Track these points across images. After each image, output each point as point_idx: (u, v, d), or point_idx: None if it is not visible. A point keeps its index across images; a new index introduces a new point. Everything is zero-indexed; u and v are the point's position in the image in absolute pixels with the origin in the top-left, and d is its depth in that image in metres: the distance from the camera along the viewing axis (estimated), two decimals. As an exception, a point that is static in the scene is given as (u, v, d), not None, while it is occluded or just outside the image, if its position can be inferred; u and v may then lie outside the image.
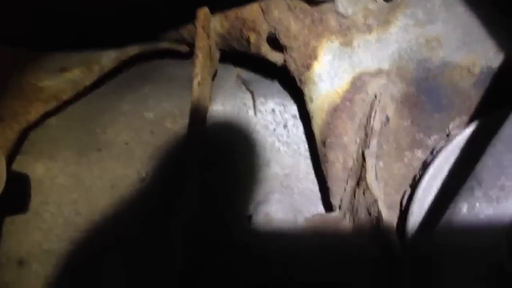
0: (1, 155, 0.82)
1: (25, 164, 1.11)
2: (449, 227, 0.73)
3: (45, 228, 1.09)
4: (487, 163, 0.69)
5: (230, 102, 1.25)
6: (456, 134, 0.94)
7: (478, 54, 0.96)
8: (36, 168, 1.11)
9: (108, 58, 1.16)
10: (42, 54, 1.14)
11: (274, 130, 1.24)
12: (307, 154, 1.24)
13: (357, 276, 0.81)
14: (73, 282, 1.07)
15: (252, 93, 1.26)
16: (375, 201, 0.81)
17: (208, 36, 1.04)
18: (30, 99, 1.05)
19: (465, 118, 1.00)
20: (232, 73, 1.33)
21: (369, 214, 0.83)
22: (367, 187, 0.86)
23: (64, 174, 1.11)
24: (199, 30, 1.00)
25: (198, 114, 0.87)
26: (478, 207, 0.69)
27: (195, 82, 0.88)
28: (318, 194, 1.22)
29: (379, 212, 0.77)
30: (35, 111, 1.05)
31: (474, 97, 0.98)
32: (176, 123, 1.19)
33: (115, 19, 1.19)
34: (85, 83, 1.12)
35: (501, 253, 0.68)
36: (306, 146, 1.25)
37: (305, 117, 1.22)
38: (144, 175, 1.13)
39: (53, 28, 1.16)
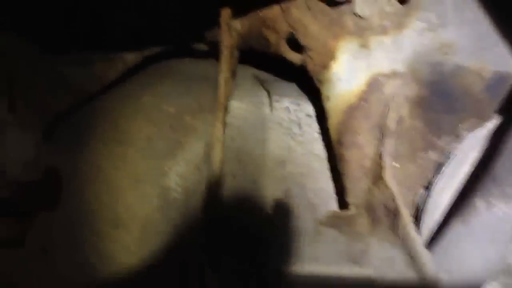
0: None
1: (52, 156, 1.14)
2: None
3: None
4: (504, 161, 0.73)
5: (247, 99, 1.28)
6: (467, 136, 0.98)
7: (489, 59, 1.00)
8: (62, 159, 1.13)
9: (132, 53, 1.19)
10: (68, 49, 1.17)
11: (289, 128, 1.27)
12: (321, 153, 1.28)
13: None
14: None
15: (268, 91, 1.30)
16: (393, 197, 0.84)
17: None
18: (59, 91, 1.09)
19: (475, 121, 1.03)
20: (249, 73, 1.36)
21: (387, 209, 0.87)
22: (384, 184, 0.90)
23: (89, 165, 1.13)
24: (224, 27, 1.03)
25: (224, 109, 0.90)
26: (494, 203, 0.74)
27: (221, 77, 0.91)
28: (331, 193, 1.25)
29: (397, 206, 0.81)
30: (64, 104, 1.09)
31: (484, 101, 1.02)
32: (195, 118, 1.22)
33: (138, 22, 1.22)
34: (109, 77, 1.16)
35: None
36: (320, 145, 1.28)
37: (320, 117, 1.25)
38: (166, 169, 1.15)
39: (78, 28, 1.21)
